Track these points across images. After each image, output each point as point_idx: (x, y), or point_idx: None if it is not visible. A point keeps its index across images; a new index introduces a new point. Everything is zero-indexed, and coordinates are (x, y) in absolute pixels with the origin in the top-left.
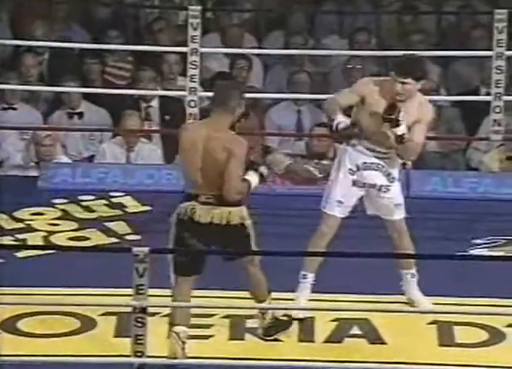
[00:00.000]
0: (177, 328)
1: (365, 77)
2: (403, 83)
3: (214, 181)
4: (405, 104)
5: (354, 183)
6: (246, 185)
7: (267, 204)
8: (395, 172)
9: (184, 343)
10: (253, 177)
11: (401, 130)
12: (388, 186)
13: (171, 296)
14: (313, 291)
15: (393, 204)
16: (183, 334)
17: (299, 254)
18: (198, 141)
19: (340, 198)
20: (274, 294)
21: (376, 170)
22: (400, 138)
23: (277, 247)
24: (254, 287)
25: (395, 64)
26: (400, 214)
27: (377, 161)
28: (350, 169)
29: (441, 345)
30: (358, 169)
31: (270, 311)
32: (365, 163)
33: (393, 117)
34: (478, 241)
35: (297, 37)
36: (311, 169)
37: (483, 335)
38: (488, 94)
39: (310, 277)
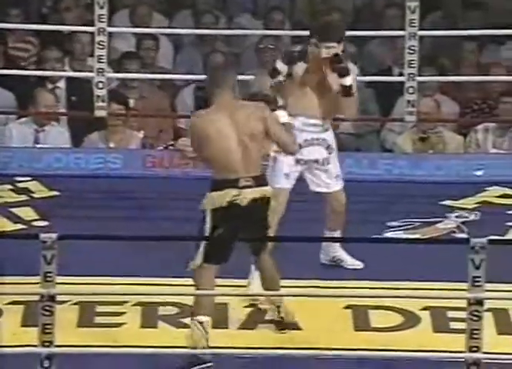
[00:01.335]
0: (201, 317)
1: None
2: (327, 47)
3: (254, 161)
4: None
5: (297, 161)
6: (292, 132)
7: (183, 188)
8: (333, 143)
9: (207, 333)
10: (285, 116)
11: (349, 80)
12: (328, 158)
13: (193, 285)
14: (234, 276)
15: (333, 176)
16: (206, 323)
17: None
18: (225, 126)
19: (287, 171)
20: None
21: (317, 145)
22: (347, 89)
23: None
24: (264, 276)
25: (315, 30)
26: (340, 185)
27: (316, 135)
28: None
29: (357, 330)
30: (300, 147)
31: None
32: (306, 140)
33: (342, 65)
34: (393, 224)
35: (207, 16)
36: None
37: (399, 319)
38: (401, 74)
39: None
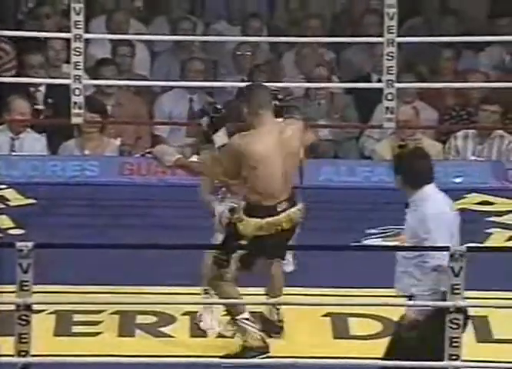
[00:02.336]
0: (244, 315)
1: (254, 63)
2: None
3: (290, 180)
4: None
5: None
6: None
7: (161, 195)
8: None
9: (256, 324)
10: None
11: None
12: None
13: (216, 294)
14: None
15: None
16: (250, 317)
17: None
18: (271, 150)
19: None
20: None
21: None
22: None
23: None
24: (274, 283)
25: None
26: None
27: None
28: None
29: (336, 337)
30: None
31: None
32: None
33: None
34: (372, 231)
35: (184, 22)
36: (200, 161)
37: (378, 327)
38: (379, 81)
39: None
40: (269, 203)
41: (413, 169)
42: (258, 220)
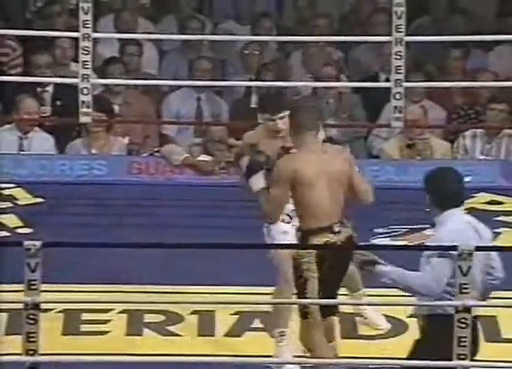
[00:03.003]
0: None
1: (262, 62)
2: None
3: (340, 205)
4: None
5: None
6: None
7: (168, 195)
8: None
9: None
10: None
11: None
12: None
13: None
14: (214, 284)
15: None
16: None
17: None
18: (317, 171)
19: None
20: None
21: None
22: None
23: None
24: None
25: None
26: None
27: None
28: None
29: (344, 337)
30: (290, 217)
31: None
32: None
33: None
34: (380, 230)
35: (192, 21)
36: (208, 160)
37: (387, 326)
38: (387, 80)
39: None
40: (323, 224)
41: (444, 190)
42: (315, 237)
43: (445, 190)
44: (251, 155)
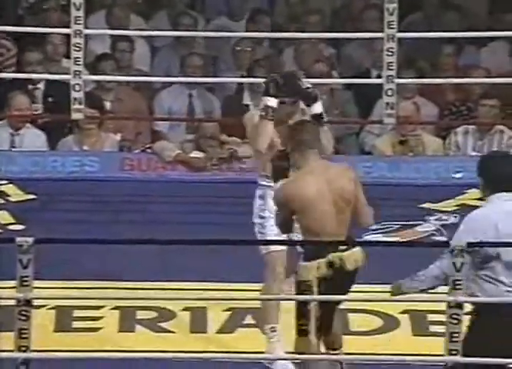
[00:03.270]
0: None
1: (254, 58)
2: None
3: (346, 222)
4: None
5: None
6: None
7: (160, 191)
8: None
9: None
10: None
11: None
12: None
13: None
14: (207, 280)
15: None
16: None
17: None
18: (322, 191)
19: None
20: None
21: None
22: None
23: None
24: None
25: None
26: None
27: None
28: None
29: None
30: None
31: None
32: None
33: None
34: (373, 226)
35: (185, 17)
36: (200, 157)
37: (378, 322)
38: (379, 76)
39: None
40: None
41: (495, 173)
42: (320, 260)
43: (497, 173)
44: (275, 161)
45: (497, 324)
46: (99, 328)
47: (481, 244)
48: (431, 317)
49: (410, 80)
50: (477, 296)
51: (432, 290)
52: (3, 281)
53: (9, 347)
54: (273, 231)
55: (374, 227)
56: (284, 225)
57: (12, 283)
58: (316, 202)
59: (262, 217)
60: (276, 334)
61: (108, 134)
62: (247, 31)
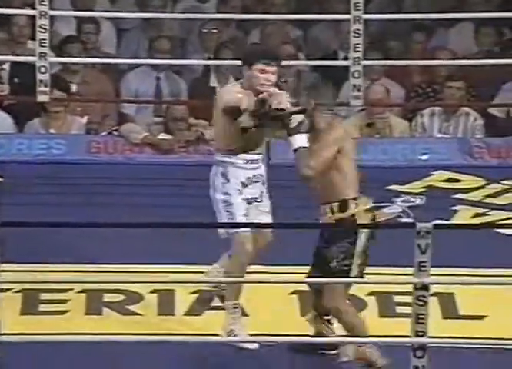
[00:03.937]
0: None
1: (220, 40)
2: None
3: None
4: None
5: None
6: None
7: (127, 173)
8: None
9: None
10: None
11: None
12: (264, 192)
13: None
14: (174, 263)
15: (266, 210)
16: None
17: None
18: (351, 142)
19: (245, 212)
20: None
21: (258, 181)
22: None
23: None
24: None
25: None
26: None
27: (257, 171)
28: (238, 189)
29: (304, 315)
30: (244, 186)
31: None
32: (249, 178)
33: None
34: None
35: None
36: (168, 138)
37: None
38: (346, 58)
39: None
40: (354, 195)
41: None
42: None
43: None
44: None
45: None
46: (66, 311)
47: (448, 226)
48: (397, 298)
49: (376, 61)
50: None
51: (399, 272)
52: None
53: None
54: (241, 211)
55: None
56: (327, 164)
57: None
58: (351, 152)
59: (227, 194)
60: (238, 310)
61: (75, 116)
62: (217, 12)
